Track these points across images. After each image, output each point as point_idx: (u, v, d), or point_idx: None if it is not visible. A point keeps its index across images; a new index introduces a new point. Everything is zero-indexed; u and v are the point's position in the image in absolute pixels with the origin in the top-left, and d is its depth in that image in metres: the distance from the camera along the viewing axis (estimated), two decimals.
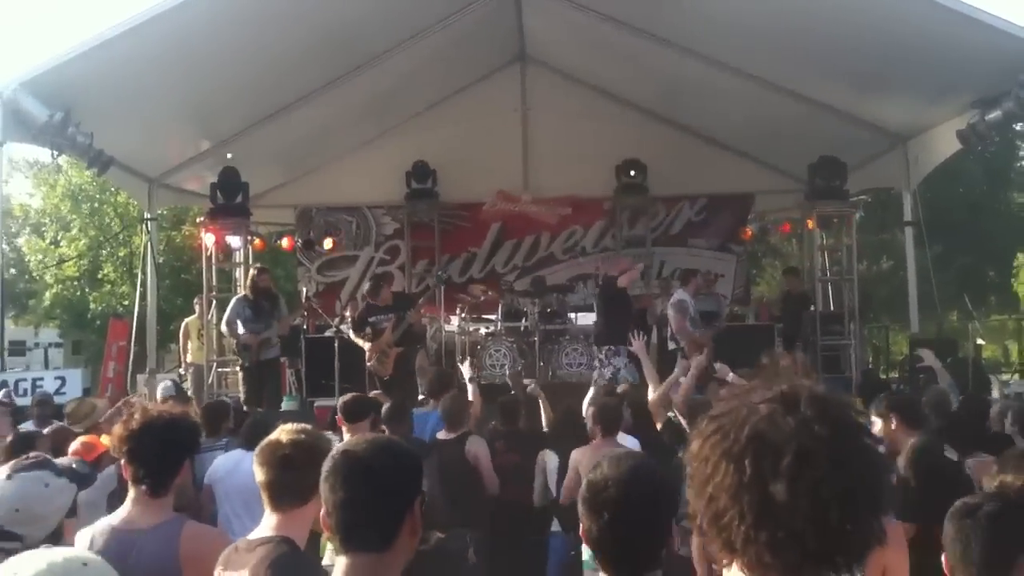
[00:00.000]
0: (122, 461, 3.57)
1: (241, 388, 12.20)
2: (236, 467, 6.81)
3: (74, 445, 6.24)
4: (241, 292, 12.53)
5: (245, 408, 10.67)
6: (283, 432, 3.25)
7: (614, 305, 12.06)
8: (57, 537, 3.03)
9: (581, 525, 2.45)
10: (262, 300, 11.90)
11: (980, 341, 18.57)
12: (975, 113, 11.18)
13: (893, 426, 5.59)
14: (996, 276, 30.41)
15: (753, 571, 1.53)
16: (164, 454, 3.52)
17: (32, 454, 3.30)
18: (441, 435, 7.51)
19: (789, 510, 1.46)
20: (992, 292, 29.98)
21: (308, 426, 3.34)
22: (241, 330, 11.74)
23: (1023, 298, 29.00)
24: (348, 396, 6.92)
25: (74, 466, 3.42)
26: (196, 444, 3.85)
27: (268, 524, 3.09)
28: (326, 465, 2.37)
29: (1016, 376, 19.35)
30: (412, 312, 12.01)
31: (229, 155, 14.13)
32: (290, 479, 3.07)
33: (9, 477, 2.92)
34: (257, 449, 3.25)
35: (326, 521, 2.34)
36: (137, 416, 3.56)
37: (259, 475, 3.15)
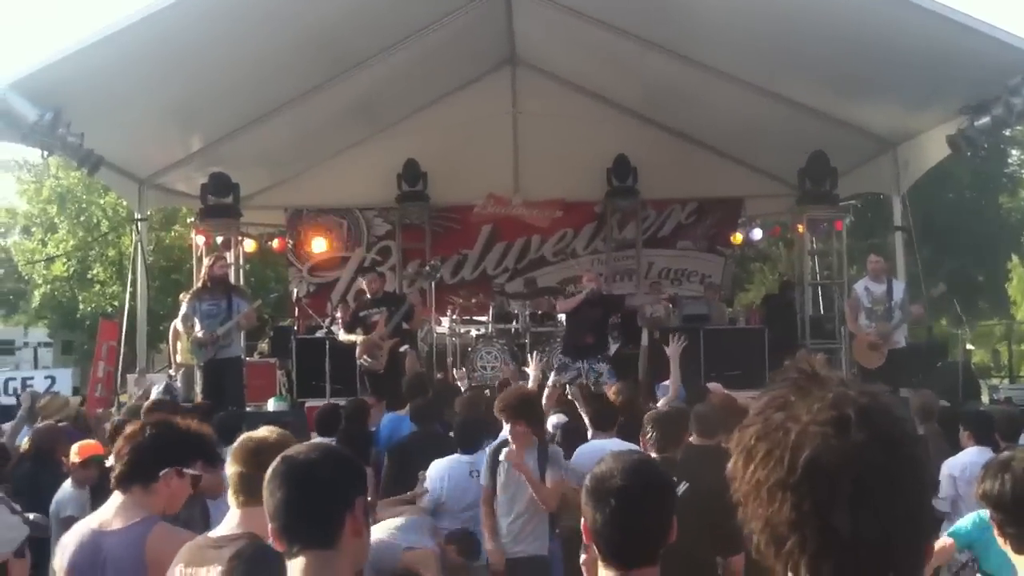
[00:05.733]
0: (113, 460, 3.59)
1: (197, 387, 11.41)
2: None
3: (75, 447, 6.43)
4: (195, 285, 11.84)
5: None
6: (264, 430, 3.27)
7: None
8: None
9: (583, 519, 2.52)
10: (219, 291, 11.24)
11: (969, 346, 18.63)
12: (965, 119, 11.20)
13: None
14: (985, 281, 30.47)
15: None
16: (151, 458, 3.50)
17: None
18: None
19: (853, 539, 1.43)
20: (981, 297, 30.02)
21: (286, 431, 3.34)
22: (198, 327, 11.06)
23: (1015, 301, 29.09)
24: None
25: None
26: (182, 456, 3.65)
27: (232, 521, 3.09)
28: (268, 471, 2.42)
29: (1005, 380, 19.42)
30: (409, 300, 11.92)
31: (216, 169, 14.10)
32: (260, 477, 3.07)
33: None
34: (235, 444, 3.26)
35: (271, 528, 2.36)
36: (140, 421, 3.58)
37: (230, 468, 3.16)
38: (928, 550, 1.52)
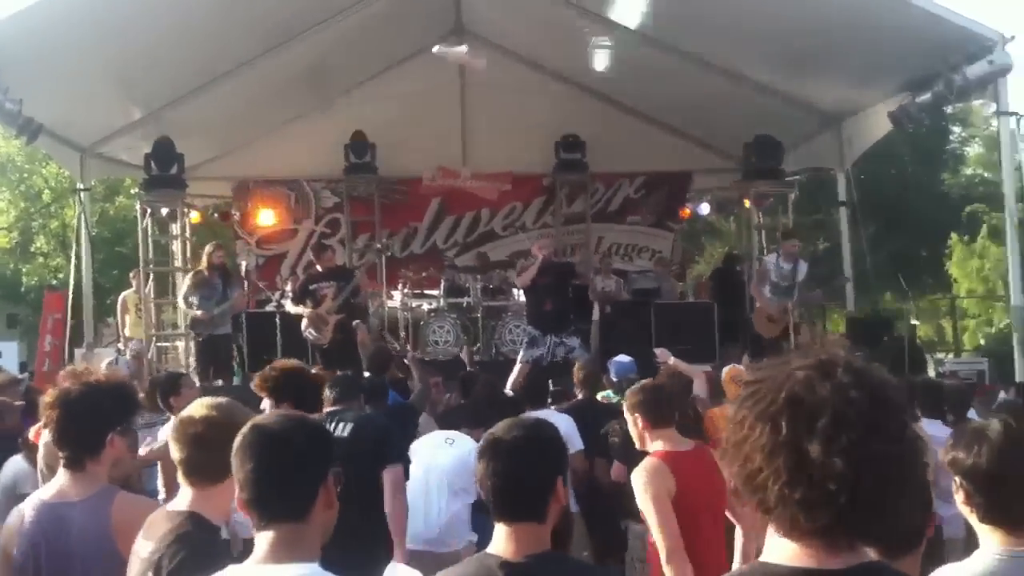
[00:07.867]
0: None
1: (195, 363, 12.87)
2: None
3: (35, 428, 6.39)
4: (196, 267, 12.98)
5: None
6: (198, 407, 3.12)
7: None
8: None
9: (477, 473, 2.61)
10: (216, 276, 12.25)
11: (914, 321, 18.89)
12: (906, 95, 11.38)
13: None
14: (929, 257, 30.88)
15: (789, 533, 1.56)
16: (81, 425, 3.38)
17: None
18: None
19: (823, 470, 1.49)
20: (925, 273, 30.42)
21: (224, 400, 3.18)
22: (196, 306, 12.16)
23: (956, 279, 29.52)
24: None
25: None
26: (122, 414, 3.55)
27: (184, 499, 3.02)
28: (237, 440, 2.37)
29: (951, 355, 19.75)
30: (357, 277, 11.91)
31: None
32: (203, 458, 2.95)
33: None
34: (172, 424, 3.17)
35: (240, 500, 2.33)
36: (59, 384, 3.46)
37: (173, 452, 3.05)
38: (920, 528, 1.58)
